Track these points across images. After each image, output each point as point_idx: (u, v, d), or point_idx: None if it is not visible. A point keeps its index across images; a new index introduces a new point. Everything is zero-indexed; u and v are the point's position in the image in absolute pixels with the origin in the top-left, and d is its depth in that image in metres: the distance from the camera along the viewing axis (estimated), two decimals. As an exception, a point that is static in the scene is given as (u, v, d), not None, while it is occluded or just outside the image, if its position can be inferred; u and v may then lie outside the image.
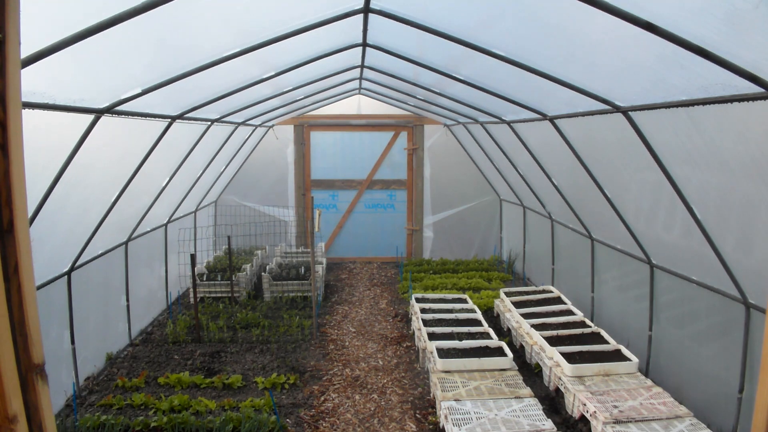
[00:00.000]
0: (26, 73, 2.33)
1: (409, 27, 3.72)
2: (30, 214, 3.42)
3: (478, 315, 6.05)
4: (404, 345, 6.09)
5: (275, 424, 4.18)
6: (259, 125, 8.56)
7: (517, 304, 6.29)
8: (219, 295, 7.42)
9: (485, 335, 5.45)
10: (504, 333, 6.25)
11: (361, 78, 7.00)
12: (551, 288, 6.86)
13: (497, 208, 9.75)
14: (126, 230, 5.71)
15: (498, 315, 6.68)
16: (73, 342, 4.67)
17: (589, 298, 6.16)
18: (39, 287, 4.05)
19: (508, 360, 4.80)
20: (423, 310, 6.24)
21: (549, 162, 6.01)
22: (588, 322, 5.61)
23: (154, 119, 4.57)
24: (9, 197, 0.79)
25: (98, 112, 3.56)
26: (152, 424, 4.16)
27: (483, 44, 3.71)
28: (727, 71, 2.39)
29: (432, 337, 5.35)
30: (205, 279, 7.57)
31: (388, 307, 7.42)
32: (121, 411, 4.51)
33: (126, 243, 5.78)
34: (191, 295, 6.89)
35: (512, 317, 6.06)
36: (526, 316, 5.87)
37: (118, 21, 2.45)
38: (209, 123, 5.98)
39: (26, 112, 2.79)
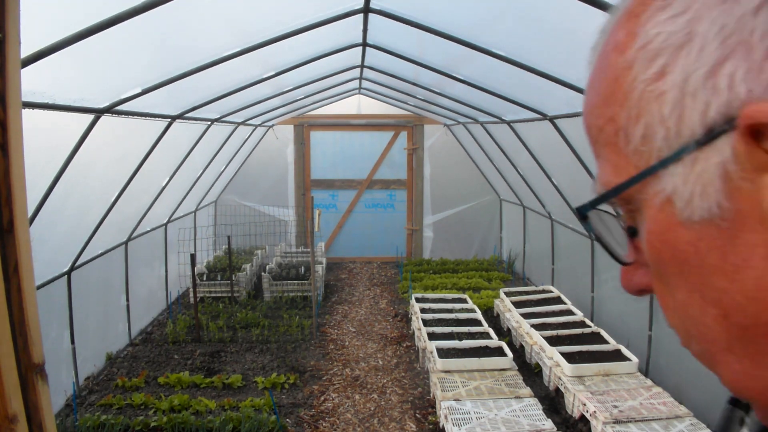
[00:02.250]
0: (26, 73, 2.33)
1: (409, 27, 3.72)
2: (30, 214, 3.42)
3: (478, 315, 6.05)
4: (404, 345, 6.09)
5: (275, 424, 4.18)
6: (259, 125, 8.56)
7: (517, 304, 6.29)
8: (219, 294, 7.42)
9: (485, 335, 5.45)
10: (504, 333, 6.25)
11: (361, 78, 7.00)
12: (551, 288, 6.86)
13: (497, 208, 9.75)
14: (126, 230, 5.71)
15: (498, 315, 6.68)
16: (73, 342, 4.67)
17: (589, 298, 6.16)
18: (39, 287, 4.06)
19: (508, 360, 4.80)
20: (423, 310, 6.24)
21: (549, 162, 6.01)
22: (588, 321, 5.61)
23: (154, 119, 4.57)
24: (9, 197, 0.79)
25: (98, 112, 3.56)
26: (152, 424, 4.16)
27: (483, 44, 3.71)
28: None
29: (432, 336, 5.35)
30: (205, 279, 7.56)
31: (388, 307, 7.42)
32: (121, 411, 4.51)
33: (126, 243, 5.78)
34: (191, 294, 6.89)
35: (512, 317, 6.06)
36: (526, 316, 5.87)
37: (118, 21, 2.45)
38: (209, 123, 5.98)
39: (26, 112, 2.79)
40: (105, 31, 2.47)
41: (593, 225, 0.44)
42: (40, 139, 3.18)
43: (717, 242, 0.36)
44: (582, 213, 0.44)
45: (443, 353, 4.94)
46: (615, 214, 0.43)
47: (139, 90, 3.64)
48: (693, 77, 0.35)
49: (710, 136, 0.35)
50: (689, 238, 0.37)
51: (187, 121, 5.20)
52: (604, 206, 0.44)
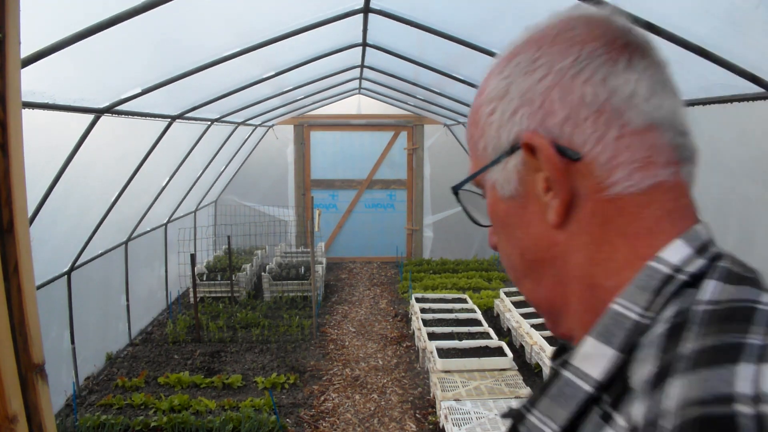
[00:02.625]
0: (26, 73, 2.33)
1: (409, 27, 3.72)
2: (30, 214, 3.42)
3: (478, 315, 6.05)
4: (404, 345, 6.09)
5: (275, 424, 4.19)
6: (259, 125, 8.56)
7: (517, 304, 6.29)
8: (219, 294, 7.42)
9: (485, 335, 5.45)
10: (504, 333, 6.25)
11: (361, 78, 7.00)
12: (551, 288, 6.85)
13: (497, 208, 9.74)
14: (126, 230, 5.71)
15: (498, 315, 6.68)
16: (73, 342, 4.67)
17: (589, 298, 6.15)
18: (39, 287, 4.06)
19: (508, 360, 4.80)
20: (423, 310, 6.24)
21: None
22: (588, 322, 5.61)
23: (154, 119, 4.57)
24: (9, 197, 0.79)
25: (98, 112, 3.56)
26: (152, 424, 4.16)
27: (483, 44, 3.71)
28: (727, 71, 2.39)
29: (432, 336, 5.35)
30: (205, 279, 7.56)
31: (387, 307, 7.42)
32: (121, 411, 4.51)
33: (126, 243, 5.78)
34: (191, 294, 6.89)
35: (512, 317, 6.06)
36: (526, 315, 5.87)
37: (118, 21, 2.45)
38: (209, 123, 5.98)
39: (26, 112, 2.79)
40: (105, 31, 2.47)
41: (461, 200, 0.70)
42: (40, 139, 3.18)
43: (517, 211, 0.60)
44: (454, 190, 0.69)
45: (443, 353, 4.94)
46: (481, 194, 0.68)
47: (139, 90, 3.64)
48: (505, 115, 0.59)
49: (512, 149, 0.58)
50: (504, 208, 0.62)
51: (187, 121, 5.20)
52: (471, 188, 0.68)
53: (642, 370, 0.47)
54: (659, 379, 0.44)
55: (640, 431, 0.44)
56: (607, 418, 0.49)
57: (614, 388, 0.50)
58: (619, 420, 0.47)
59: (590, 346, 0.52)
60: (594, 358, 0.51)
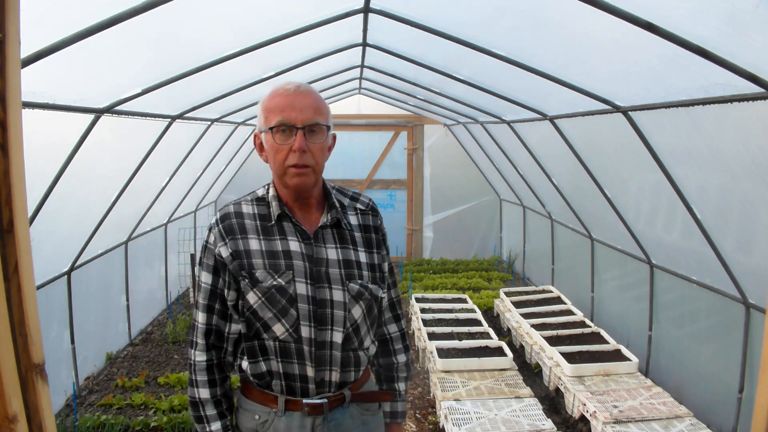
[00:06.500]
0: (26, 73, 2.33)
1: (409, 27, 3.72)
2: (30, 214, 3.42)
3: (478, 315, 6.05)
4: (404, 345, 6.08)
5: (275, 424, 4.18)
6: (259, 125, 8.53)
7: (517, 304, 6.29)
8: (219, 294, 7.40)
9: (485, 335, 5.45)
10: (504, 333, 6.25)
11: (361, 78, 7.00)
12: (551, 288, 6.86)
13: (497, 208, 9.75)
14: (126, 230, 5.71)
15: (498, 315, 6.68)
16: (73, 342, 4.67)
17: (589, 298, 6.16)
18: (39, 287, 4.06)
19: (508, 360, 4.80)
20: (423, 310, 6.24)
21: (549, 162, 6.01)
22: (588, 321, 5.61)
23: (154, 119, 4.57)
24: (9, 197, 0.79)
25: (98, 112, 3.56)
26: (152, 424, 4.16)
27: (483, 44, 3.71)
28: (727, 71, 2.39)
29: (432, 336, 5.35)
30: (205, 279, 7.54)
31: (388, 307, 7.40)
32: (121, 411, 4.51)
33: (126, 243, 5.77)
34: (191, 294, 6.89)
35: (512, 317, 6.06)
36: (526, 315, 5.87)
37: (118, 20, 2.45)
38: (209, 123, 5.98)
39: (26, 112, 2.79)
40: (105, 30, 2.47)
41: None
42: (40, 139, 3.18)
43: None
44: (328, 127, 1.74)
45: (443, 353, 4.94)
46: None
47: (139, 90, 3.64)
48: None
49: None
50: (326, 146, 1.78)
51: (187, 121, 5.20)
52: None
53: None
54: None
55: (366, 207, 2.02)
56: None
57: None
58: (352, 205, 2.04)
59: None
60: None
